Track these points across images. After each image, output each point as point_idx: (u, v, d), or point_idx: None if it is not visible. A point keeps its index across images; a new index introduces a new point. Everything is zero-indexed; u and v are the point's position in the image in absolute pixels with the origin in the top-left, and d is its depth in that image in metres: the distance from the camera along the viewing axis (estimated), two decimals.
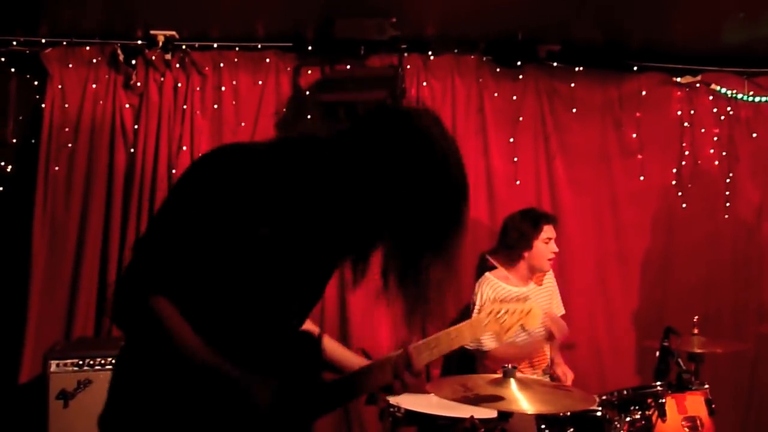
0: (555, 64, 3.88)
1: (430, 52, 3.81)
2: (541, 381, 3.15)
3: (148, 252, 1.40)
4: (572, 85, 3.89)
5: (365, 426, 3.56)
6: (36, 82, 3.66)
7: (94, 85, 3.66)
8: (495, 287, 3.32)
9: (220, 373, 1.38)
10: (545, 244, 3.30)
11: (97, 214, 3.61)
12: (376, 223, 1.41)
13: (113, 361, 2.97)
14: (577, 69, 3.89)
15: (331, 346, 1.73)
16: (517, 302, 1.84)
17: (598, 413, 2.61)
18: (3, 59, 3.61)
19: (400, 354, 1.62)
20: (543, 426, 2.56)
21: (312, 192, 1.42)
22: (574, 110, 3.90)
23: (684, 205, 4.00)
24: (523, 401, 2.11)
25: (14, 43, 3.64)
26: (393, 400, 2.70)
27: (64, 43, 3.65)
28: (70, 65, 3.64)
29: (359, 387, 1.67)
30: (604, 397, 2.71)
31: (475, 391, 2.20)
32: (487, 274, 3.40)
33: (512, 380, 2.22)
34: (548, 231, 3.30)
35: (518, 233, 3.36)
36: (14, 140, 3.66)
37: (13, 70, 3.65)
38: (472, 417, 2.42)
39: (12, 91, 3.59)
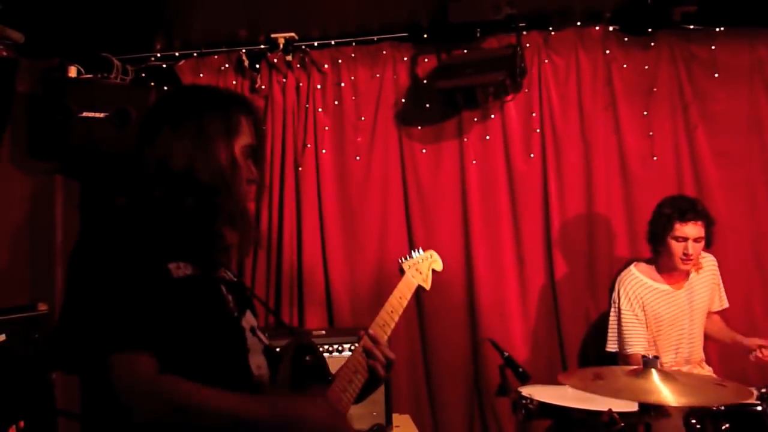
0: (692, 26, 3.55)
1: (550, 28, 3.63)
2: (688, 373, 2.93)
3: (103, 330, 1.31)
4: (713, 47, 3.54)
5: (499, 418, 3.47)
6: None
7: None
8: (634, 285, 3.10)
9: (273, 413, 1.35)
10: (678, 243, 3.03)
11: None
12: None
13: None
14: (717, 29, 3.53)
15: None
16: (420, 255, 2.16)
17: (758, 408, 2.36)
18: (143, 74, 3.89)
19: (363, 341, 1.73)
20: (693, 421, 2.35)
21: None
22: (717, 75, 3.54)
23: None
24: (666, 393, 1.95)
25: (152, 58, 3.92)
26: (525, 391, 2.62)
27: (195, 54, 3.88)
28: (201, 74, 3.85)
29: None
30: (763, 390, 2.44)
31: (611, 382, 2.06)
32: (631, 267, 3.20)
33: (653, 371, 2.06)
34: (683, 229, 3.01)
35: (653, 226, 3.14)
36: None
37: (152, 83, 3.93)
38: (610, 410, 2.27)
39: (152, 103, 3.86)
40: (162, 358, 1.31)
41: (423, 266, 2.15)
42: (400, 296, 1.96)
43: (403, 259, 2.12)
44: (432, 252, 2.23)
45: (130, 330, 1.30)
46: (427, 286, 2.14)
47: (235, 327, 1.50)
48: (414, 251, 2.18)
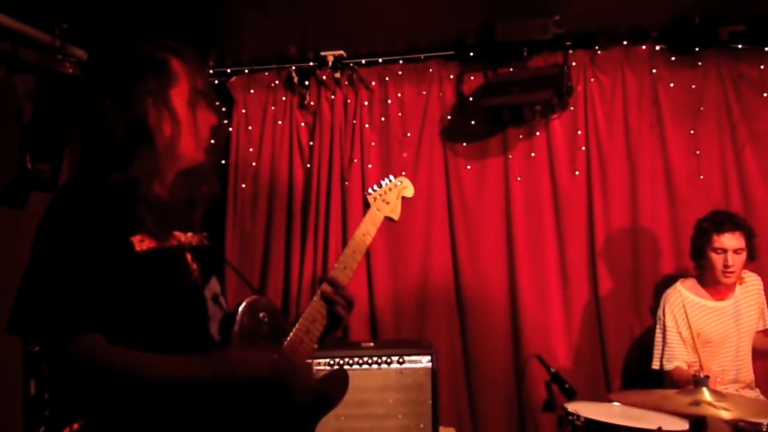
0: (740, 46, 3.55)
1: (596, 47, 3.67)
2: (738, 394, 2.91)
3: (50, 300, 1.31)
4: (762, 67, 3.53)
5: None
6: (224, 109, 4.04)
7: (273, 107, 3.97)
8: (681, 302, 3.11)
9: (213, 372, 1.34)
10: (717, 255, 3.03)
11: (279, 226, 3.90)
12: None
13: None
14: (766, 49, 3.53)
15: None
16: (388, 184, 1.97)
17: None
18: None
19: (322, 287, 1.68)
20: None
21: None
22: (766, 95, 3.53)
23: None
24: (719, 409, 1.96)
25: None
26: (571, 407, 2.62)
27: (246, 71, 4.00)
28: (252, 90, 3.98)
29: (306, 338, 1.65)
30: None
31: (663, 400, 2.07)
32: (677, 284, 3.20)
33: (705, 389, 2.07)
34: (720, 240, 3.02)
35: (694, 240, 3.15)
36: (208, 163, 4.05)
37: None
38: (660, 429, 2.28)
39: None
40: (121, 332, 1.32)
41: (391, 196, 1.97)
42: (364, 233, 1.83)
43: (369, 190, 1.97)
44: (402, 178, 2.04)
45: (84, 312, 1.30)
46: (396, 216, 1.96)
47: (197, 297, 1.50)
48: (383, 180, 2.00)
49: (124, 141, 1.43)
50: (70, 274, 1.31)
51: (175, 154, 1.46)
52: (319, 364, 3.03)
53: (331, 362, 3.04)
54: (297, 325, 1.63)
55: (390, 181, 1.99)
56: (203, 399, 1.35)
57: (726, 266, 3.01)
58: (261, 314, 1.58)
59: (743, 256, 3.05)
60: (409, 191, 2.03)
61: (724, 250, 3.02)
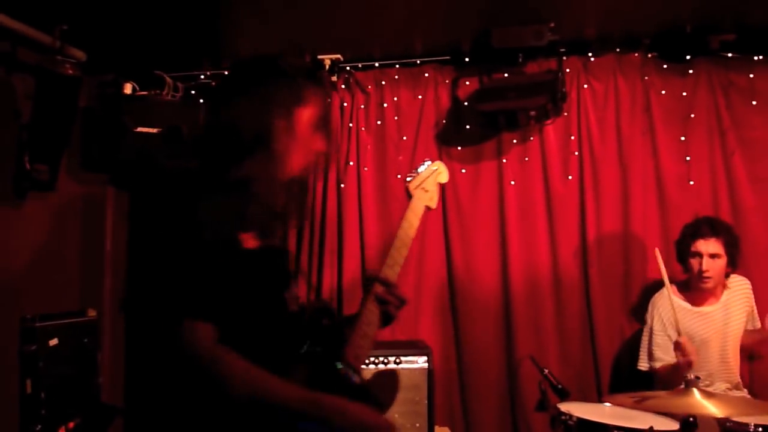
0: (730, 54, 3.62)
1: (590, 54, 3.73)
2: (725, 394, 2.97)
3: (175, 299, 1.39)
4: (751, 75, 3.60)
5: None
6: None
7: None
8: (668, 305, 3.16)
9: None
10: (695, 260, 3.11)
11: None
12: None
13: None
14: (756, 58, 3.60)
15: None
16: (425, 169, 1.90)
17: None
18: (193, 92, 4.05)
19: (374, 289, 1.68)
20: None
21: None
22: (755, 103, 3.60)
23: None
24: (709, 407, 2.02)
25: (201, 76, 4.07)
26: (564, 407, 2.67)
27: None
28: None
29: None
30: None
31: (654, 401, 2.12)
32: (663, 288, 3.26)
33: (695, 390, 2.12)
34: (696, 245, 3.10)
35: (677, 245, 3.24)
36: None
37: (201, 100, 4.08)
38: (651, 428, 2.33)
39: (201, 119, 4.00)
40: (225, 324, 1.38)
41: (429, 183, 1.90)
42: (409, 227, 1.79)
43: (408, 177, 1.90)
44: (438, 163, 1.96)
45: (197, 300, 1.37)
46: (434, 204, 1.90)
47: (291, 297, 1.58)
48: (420, 166, 1.93)
49: (249, 142, 1.51)
50: (187, 263, 1.38)
51: (284, 165, 1.55)
52: None
53: None
54: (355, 330, 1.62)
55: (426, 166, 1.93)
56: (281, 423, 1.38)
57: (701, 271, 3.07)
58: (324, 319, 1.61)
59: (721, 261, 3.09)
60: (444, 176, 1.97)
61: (701, 255, 3.08)
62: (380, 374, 1.79)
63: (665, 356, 3.13)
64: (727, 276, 3.20)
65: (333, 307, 1.70)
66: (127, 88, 3.83)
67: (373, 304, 1.66)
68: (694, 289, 3.19)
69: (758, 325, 3.24)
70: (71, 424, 3.34)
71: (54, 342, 3.20)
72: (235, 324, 1.40)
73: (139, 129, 3.69)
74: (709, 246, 3.08)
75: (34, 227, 3.63)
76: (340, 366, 1.56)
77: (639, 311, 3.51)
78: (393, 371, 1.81)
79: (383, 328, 1.70)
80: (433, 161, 1.96)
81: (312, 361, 1.53)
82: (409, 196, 1.84)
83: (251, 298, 1.44)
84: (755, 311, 3.26)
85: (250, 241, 1.47)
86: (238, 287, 1.41)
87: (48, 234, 3.76)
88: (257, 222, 1.49)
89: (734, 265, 3.16)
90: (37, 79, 3.29)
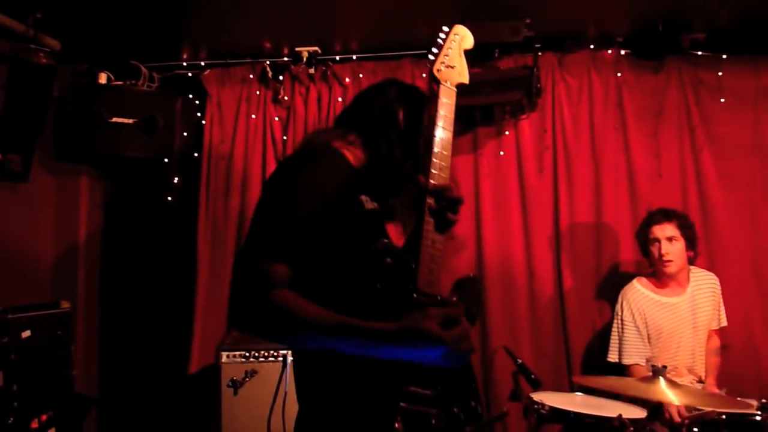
0: (700, 53, 3.71)
1: (564, 50, 3.78)
2: (692, 387, 3.06)
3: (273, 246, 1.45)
4: (719, 73, 3.70)
5: (506, 425, 3.60)
6: (197, 102, 4.05)
7: (246, 102, 3.99)
8: (637, 298, 3.25)
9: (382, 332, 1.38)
10: (654, 246, 3.22)
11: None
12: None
13: (276, 354, 3.24)
14: (724, 56, 3.69)
15: None
16: (449, 37, 1.66)
17: (758, 417, 2.49)
18: (169, 82, 4.03)
19: (427, 202, 1.54)
20: (695, 429, 2.48)
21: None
22: (723, 100, 3.70)
23: None
24: (672, 396, 2.09)
25: (178, 67, 4.05)
26: (537, 397, 2.73)
27: (220, 64, 4.01)
28: (226, 84, 3.99)
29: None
30: (764, 401, 2.58)
31: (623, 389, 2.19)
32: (634, 281, 3.34)
33: (661, 379, 2.19)
34: (653, 231, 3.21)
35: (637, 238, 3.34)
36: (180, 155, 4.06)
37: (178, 91, 4.06)
38: (620, 416, 2.40)
39: (178, 110, 3.97)
40: (338, 278, 1.47)
41: (454, 56, 1.62)
42: (447, 122, 1.59)
43: (430, 56, 1.62)
44: (458, 27, 1.66)
45: (282, 243, 1.43)
46: (466, 78, 1.65)
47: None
48: (439, 38, 1.64)
49: (393, 124, 1.66)
50: (307, 213, 1.45)
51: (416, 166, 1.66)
52: None
53: None
54: (421, 257, 1.51)
55: (446, 35, 1.64)
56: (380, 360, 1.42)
57: (662, 255, 3.18)
58: (388, 259, 1.50)
59: (679, 245, 3.20)
60: (469, 40, 1.67)
61: (659, 240, 3.19)
62: (461, 283, 1.71)
63: (635, 355, 3.21)
64: (691, 262, 3.30)
65: (391, 245, 1.56)
66: (102, 78, 3.79)
67: (429, 221, 1.53)
68: (661, 278, 3.28)
69: (724, 322, 3.33)
70: (44, 417, 3.31)
71: (27, 334, 3.17)
72: (351, 276, 1.48)
73: (114, 119, 3.66)
74: (665, 230, 3.19)
75: (6, 218, 3.59)
76: (416, 297, 1.48)
77: (611, 302, 3.59)
78: (475, 277, 1.79)
79: (447, 235, 1.59)
80: (451, 28, 1.65)
81: (388, 301, 1.47)
82: (437, 82, 1.59)
83: (346, 248, 1.50)
84: (722, 311, 3.33)
85: (369, 203, 1.56)
86: (358, 242, 1.49)
87: (20, 225, 3.72)
88: (377, 186, 1.60)
89: (693, 247, 3.26)
90: (9, 67, 3.25)
